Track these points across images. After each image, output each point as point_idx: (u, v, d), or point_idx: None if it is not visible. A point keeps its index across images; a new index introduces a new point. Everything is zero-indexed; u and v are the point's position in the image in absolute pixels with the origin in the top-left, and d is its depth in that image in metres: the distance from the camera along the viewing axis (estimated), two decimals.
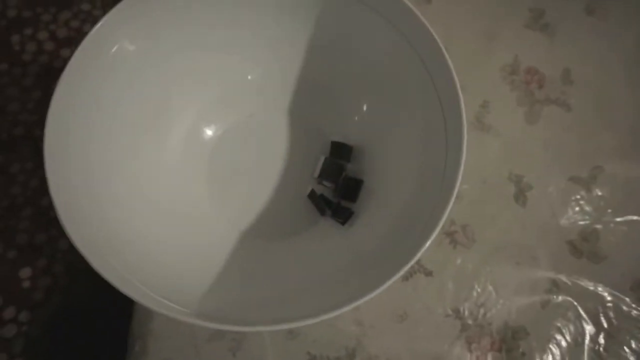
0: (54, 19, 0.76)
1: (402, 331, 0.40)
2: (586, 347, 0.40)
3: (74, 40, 0.76)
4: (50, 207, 0.66)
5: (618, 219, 0.44)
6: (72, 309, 0.63)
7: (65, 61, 0.75)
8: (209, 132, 0.42)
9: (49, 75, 0.74)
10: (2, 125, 0.69)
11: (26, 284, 0.63)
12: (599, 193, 0.44)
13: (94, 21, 0.77)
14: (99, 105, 0.33)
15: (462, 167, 0.31)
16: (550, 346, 0.40)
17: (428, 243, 0.30)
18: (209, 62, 0.38)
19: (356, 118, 0.42)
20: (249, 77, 0.40)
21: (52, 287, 0.63)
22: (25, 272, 0.63)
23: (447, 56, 0.32)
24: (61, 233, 0.66)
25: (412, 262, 0.30)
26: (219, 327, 0.28)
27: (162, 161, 0.39)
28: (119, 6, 0.32)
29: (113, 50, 0.33)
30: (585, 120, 0.46)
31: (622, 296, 0.41)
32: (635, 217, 0.44)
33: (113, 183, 0.35)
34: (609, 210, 0.44)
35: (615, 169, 0.45)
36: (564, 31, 0.48)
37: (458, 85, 0.31)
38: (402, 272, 0.30)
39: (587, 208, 0.44)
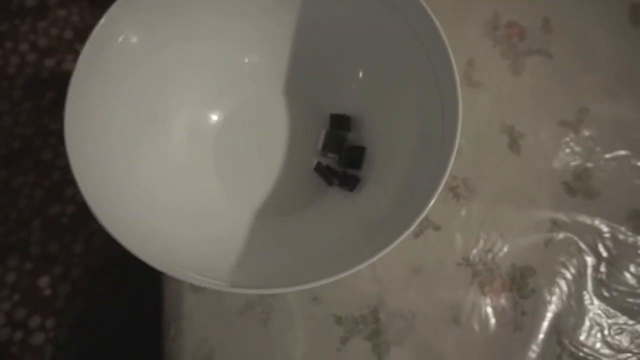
0: (32, 28, 0.76)
1: (419, 284, 0.42)
2: (589, 277, 0.43)
3: (56, 49, 0.76)
4: (60, 215, 0.68)
5: (607, 156, 0.46)
6: (95, 311, 0.65)
7: (50, 70, 0.76)
8: (211, 119, 0.43)
9: (36, 85, 0.75)
10: None
11: (47, 292, 0.64)
12: (587, 133, 0.47)
13: (73, 27, 0.78)
14: (108, 96, 0.34)
15: (459, 125, 0.33)
16: (557, 280, 0.43)
17: (434, 199, 0.31)
18: (204, 51, 0.39)
19: (353, 86, 0.43)
20: (246, 59, 0.41)
21: (72, 292, 0.65)
22: (44, 281, 0.65)
23: (433, 16, 0.33)
24: (74, 239, 0.67)
25: (421, 217, 0.31)
26: (255, 292, 0.30)
27: (170, 151, 0.41)
28: None
29: (119, 40, 0.34)
30: (566, 65, 0.48)
31: (617, 226, 0.44)
32: (623, 152, 0.46)
33: (132, 174, 0.36)
34: (598, 149, 0.46)
35: (600, 109, 0.47)
36: None
37: (447, 44, 0.33)
38: (412, 228, 0.31)
39: (577, 149, 0.46)
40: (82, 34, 0.76)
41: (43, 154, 0.69)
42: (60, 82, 0.73)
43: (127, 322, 0.64)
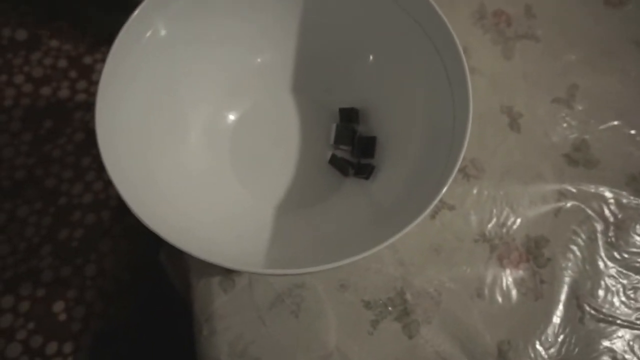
0: (26, 61, 0.77)
1: (440, 263, 0.44)
2: (600, 241, 0.45)
3: (51, 77, 0.77)
4: (69, 239, 0.68)
5: (601, 127, 0.49)
6: (112, 331, 0.65)
7: (46, 99, 0.76)
8: (226, 120, 0.44)
9: (34, 115, 0.75)
10: (1, 173, 0.70)
11: (62, 317, 0.64)
12: (580, 108, 0.49)
13: (67, 56, 0.79)
14: (130, 94, 0.35)
15: (471, 113, 0.34)
16: (570, 247, 0.45)
17: (447, 184, 0.32)
18: (218, 52, 0.41)
19: (361, 77, 0.45)
20: (258, 60, 0.43)
21: (87, 315, 0.64)
22: (59, 306, 0.64)
23: (438, 9, 0.36)
24: (86, 262, 0.67)
25: (436, 201, 0.32)
26: (286, 272, 0.31)
27: (189, 155, 0.42)
28: None
29: (148, 34, 0.34)
30: (553, 47, 0.51)
31: (619, 191, 0.47)
32: (615, 122, 0.49)
33: (152, 180, 0.37)
34: (592, 121, 0.49)
35: (588, 84, 0.50)
36: None
37: (455, 37, 0.35)
38: (428, 210, 0.31)
39: (573, 123, 0.49)
40: (77, 62, 0.77)
41: (46, 182, 0.69)
42: (57, 110, 0.74)
43: (145, 341, 0.64)
